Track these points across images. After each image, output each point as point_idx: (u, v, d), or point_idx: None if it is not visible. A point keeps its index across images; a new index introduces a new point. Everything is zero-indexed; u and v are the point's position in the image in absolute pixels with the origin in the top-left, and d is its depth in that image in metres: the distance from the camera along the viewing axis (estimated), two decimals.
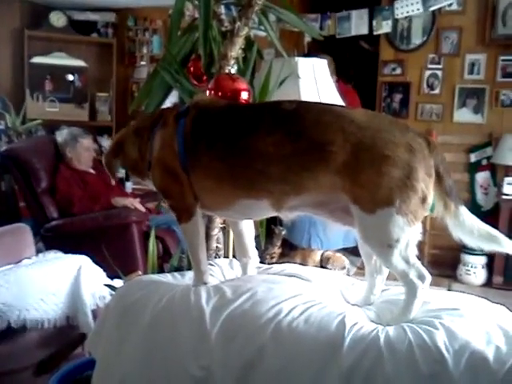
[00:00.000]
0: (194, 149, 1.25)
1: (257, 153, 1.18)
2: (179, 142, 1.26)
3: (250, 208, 1.27)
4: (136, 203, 3.80)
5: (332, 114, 1.18)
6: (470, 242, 1.20)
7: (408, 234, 1.14)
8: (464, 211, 1.19)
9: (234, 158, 1.21)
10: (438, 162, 1.17)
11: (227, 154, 1.22)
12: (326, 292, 1.32)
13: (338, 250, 4.02)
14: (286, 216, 1.29)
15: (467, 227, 1.19)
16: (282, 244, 3.92)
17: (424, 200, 1.14)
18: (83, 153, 3.87)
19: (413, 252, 1.17)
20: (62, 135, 3.91)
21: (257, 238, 1.49)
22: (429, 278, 1.17)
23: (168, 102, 1.75)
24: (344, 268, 3.26)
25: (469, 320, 1.12)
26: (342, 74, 4.55)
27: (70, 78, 6.02)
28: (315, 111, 1.20)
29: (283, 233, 3.45)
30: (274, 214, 1.28)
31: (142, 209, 3.79)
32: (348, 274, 3.42)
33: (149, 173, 1.35)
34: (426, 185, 1.14)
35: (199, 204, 1.31)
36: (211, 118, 1.28)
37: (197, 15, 1.65)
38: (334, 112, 1.20)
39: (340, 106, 1.24)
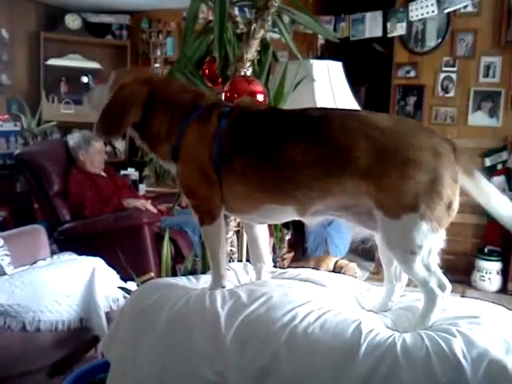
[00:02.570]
0: (228, 153, 1.23)
1: (286, 160, 1.18)
2: (216, 145, 1.23)
3: (275, 212, 1.26)
4: (147, 204, 3.82)
5: (357, 120, 1.17)
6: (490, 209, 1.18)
7: (431, 240, 1.12)
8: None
9: (266, 165, 1.20)
10: (465, 164, 1.15)
11: (259, 162, 1.21)
12: (341, 297, 1.30)
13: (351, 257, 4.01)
14: (309, 221, 1.29)
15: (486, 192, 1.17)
16: (294, 248, 3.92)
17: (449, 206, 1.12)
18: (96, 155, 3.90)
19: (435, 260, 1.15)
20: (73, 139, 3.94)
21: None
22: (449, 287, 1.16)
23: None
24: (355, 278, 3.26)
25: (487, 328, 1.10)
26: (356, 77, 4.53)
27: (85, 79, 6.07)
28: (340, 117, 1.19)
29: (285, 232, 3.45)
30: (297, 218, 1.27)
31: (154, 210, 3.80)
32: None
33: (167, 156, 1.30)
34: (452, 191, 1.12)
35: (226, 207, 1.30)
36: (245, 122, 1.27)
37: (211, 17, 1.65)
38: (358, 117, 1.19)
39: (365, 111, 1.23)
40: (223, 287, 1.31)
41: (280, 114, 1.30)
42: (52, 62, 5.91)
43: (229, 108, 1.29)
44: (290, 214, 1.25)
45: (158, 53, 6.28)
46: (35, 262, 2.56)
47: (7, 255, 2.49)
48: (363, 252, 4.73)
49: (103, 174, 4.00)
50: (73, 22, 5.98)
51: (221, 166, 1.23)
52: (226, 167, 1.23)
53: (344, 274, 3.12)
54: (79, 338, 2.33)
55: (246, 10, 2.44)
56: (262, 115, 1.29)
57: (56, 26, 5.98)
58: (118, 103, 1.30)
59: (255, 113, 1.30)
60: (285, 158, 1.18)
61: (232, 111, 1.28)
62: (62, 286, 2.32)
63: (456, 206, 1.14)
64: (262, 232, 1.44)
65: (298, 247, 4.12)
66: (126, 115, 1.30)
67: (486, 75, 4.42)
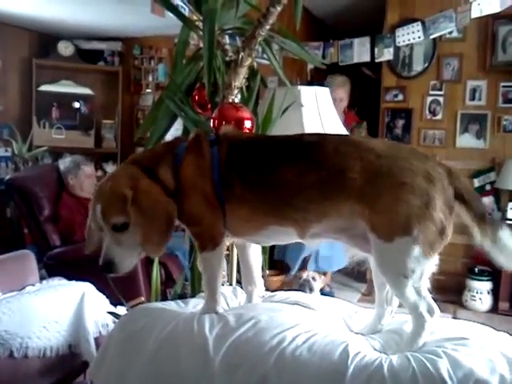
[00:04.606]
0: (228, 180, 1.24)
1: (283, 183, 1.20)
2: (215, 172, 1.25)
3: (278, 234, 1.28)
4: None
5: (351, 144, 1.20)
6: (510, 265, 1.17)
7: (423, 265, 1.14)
8: (504, 234, 1.15)
9: (265, 189, 1.22)
10: (460, 189, 1.16)
11: (259, 186, 1.23)
12: (329, 320, 1.31)
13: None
14: (309, 242, 1.30)
15: (508, 251, 1.15)
16: (284, 270, 3.91)
17: (442, 231, 1.13)
18: (85, 180, 3.91)
19: (425, 284, 1.17)
20: (64, 163, 3.96)
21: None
22: (438, 311, 1.17)
23: (173, 130, 1.77)
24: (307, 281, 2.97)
25: (472, 348, 1.11)
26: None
27: (77, 105, 6.11)
28: (335, 142, 1.22)
29: None
30: (298, 240, 1.29)
31: None
32: (325, 291, 3.23)
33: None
34: (444, 216, 1.13)
35: (230, 230, 1.30)
36: (243, 150, 1.29)
37: (201, 45, 1.68)
38: (352, 142, 1.22)
39: (358, 136, 1.26)
40: (217, 312, 1.29)
41: (276, 140, 1.32)
42: (44, 87, 5.95)
43: (213, 136, 1.32)
44: (291, 236, 1.27)
45: (150, 78, 6.36)
46: (24, 288, 2.54)
47: None
48: (354, 273, 4.73)
49: None
50: (65, 48, 6.06)
51: (223, 192, 1.25)
52: (228, 193, 1.25)
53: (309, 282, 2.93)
54: (68, 364, 2.30)
55: (236, 37, 2.50)
56: (259, 142, 1.32)
57: (48, 53, 6.05)
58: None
59: (252, 140, 1.33)
60: (283, 182, 1.20)
61: (218, 139, 1.30)
62: (50, 311, 2.30)
63: (450, 231, 1.15)
64: (254, 255, 1.44)
65: (286, 269, 4.11)
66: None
67: (473, 98, 4.51)
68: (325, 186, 1.17)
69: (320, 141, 1.23)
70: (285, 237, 1.31)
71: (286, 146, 1.26)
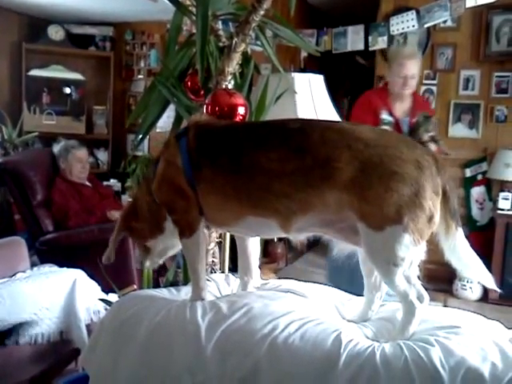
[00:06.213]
0: (198, 164, 1.25)
1: (260, 169, 1.18)
2: (184, 157, 1.26)
3: (259, 226, 1.26)
4: None
5: (338, 131, 1.17)
6: (456, 264, 1.20)
7: (413, 252, 1.14)
8: (460, 234, 1.19)
9: (238, 173, 1.20)
10: (444, 181, 1.16)
11: (231, 170, 1.21)
12: (321, 308, 1.31)
13: None
14: (295, 237, 1.29)
15: (458, 251, 1.19)
16: (276, 258, 3.92)
17: (431, 219, 1.13)
18: (75, 164, 3.87)
19: (415, 272, 1.17)
20: (57, 147, 3.93)
21: None
22: (427, 298, 1.18)
23: (165, 116, 1.76)
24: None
25: (464, 337, 1.11)
26: (338, 89, 4.59)
27: (67, 90, 6.04)
28: (320, 128, 1.19)
29: None
30: (282, 234, 1.27)
31: None
32: None
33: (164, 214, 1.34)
34: (433, 203, 1.13)
35: (209, 220, 1.31)
36: (215, 134, 1.29)
37: (194, 30, 1.66)
38: (339, 129, 1.19)
39: (346, 123, 1.24)
40: (203, 299, 1.30)
41: (255, 125, 1.32)
42: (34, 72, 5.87)
43: (184, 128, 1.35)
44: (274, 230, 1.24)
45: (142, 64, 6.29)
46: (14, 275, 2.53)
47: None
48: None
49: (88, 183, 3.98)
50: (56, 33, 5.97)
51: (195, 178, 1.25)
52: (198, 178, 1.25)
53: None
54: (59, 351, 2.30)
55: (229, 23, 2.47)
56: (233, 126, 1.32)
57: (39, 37, 5.96)
58: None
59: (224, 124, 1.33)
60: (258, 165, 1.18)
61: (187, 129, 1.31)
62: (41, 298, 2.29)
63: (437, 218, 1.15)
64: (253, 246, 1.43)
65: (281, 258, 4.12)
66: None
67: (466, 88, 4.51)
68: (310, 173, 1.15)
69: (304, 127, 1.20)
70: (267, 230, 1.28)
71: (265, 131, 1.24)
